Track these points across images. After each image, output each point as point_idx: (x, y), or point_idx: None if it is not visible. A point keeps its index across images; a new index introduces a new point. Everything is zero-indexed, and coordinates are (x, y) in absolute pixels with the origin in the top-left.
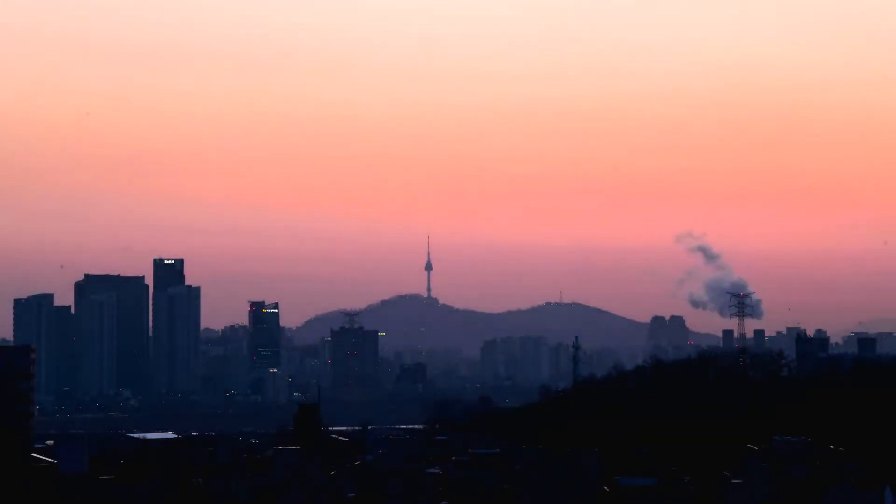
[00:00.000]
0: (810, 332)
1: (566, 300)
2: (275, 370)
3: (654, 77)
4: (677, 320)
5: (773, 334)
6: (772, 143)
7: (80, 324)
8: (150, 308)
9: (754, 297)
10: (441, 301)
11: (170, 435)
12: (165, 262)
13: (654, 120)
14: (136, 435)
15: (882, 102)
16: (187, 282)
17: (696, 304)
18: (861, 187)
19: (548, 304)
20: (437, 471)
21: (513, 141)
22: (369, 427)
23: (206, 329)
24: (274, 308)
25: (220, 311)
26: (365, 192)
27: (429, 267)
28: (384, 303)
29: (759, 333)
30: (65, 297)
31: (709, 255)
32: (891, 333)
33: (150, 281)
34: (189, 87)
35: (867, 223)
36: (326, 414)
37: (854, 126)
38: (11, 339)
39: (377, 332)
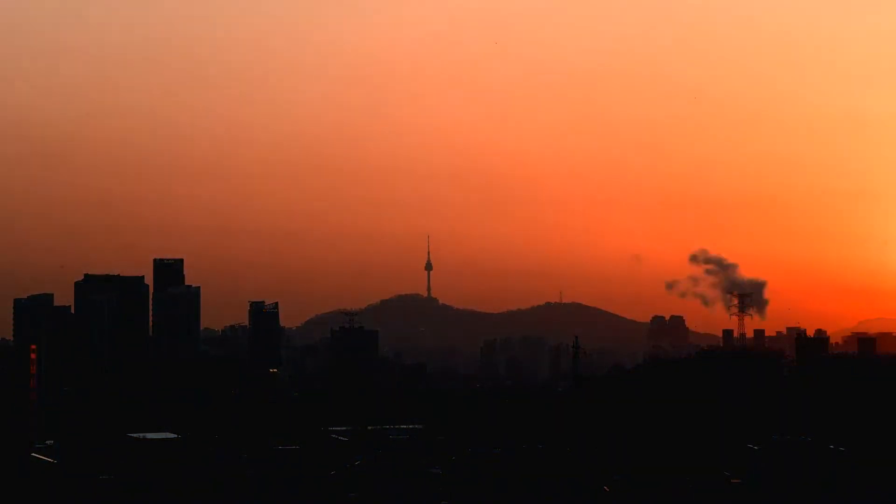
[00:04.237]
0: (810, 332)
1: (566, 300)
2: (275, 370)
3: (659, 80)
4: (677, 320)
5: (773, 334)
6: (773, 147)
7: (80, 324)
8: (150, 308)
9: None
10: (441, 301)
11: (170, 435)
12: (165, 262)
13: (655, 122)
14: (135, 435)
15: (883, 107)
16: (187, 282)
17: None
18: (861, 187)
19: (548, 304)
20: (437, 471)
21: (513, 141)
22: (369, 427)
23: (206, 329)
24: (274, 308)
25: (220, 311)
26: (365, 192)
27: (429, 267)
28: (384, 303)
29: (759, 333)
30: (65, 297)
31: (721, 265)
32: (891, 333)
33: (150, 281)
34: (189, 88)
35: (867, 223)
36: (326, 414)
37: (854, 129)
38: (11, 339)
39: (377, 332)
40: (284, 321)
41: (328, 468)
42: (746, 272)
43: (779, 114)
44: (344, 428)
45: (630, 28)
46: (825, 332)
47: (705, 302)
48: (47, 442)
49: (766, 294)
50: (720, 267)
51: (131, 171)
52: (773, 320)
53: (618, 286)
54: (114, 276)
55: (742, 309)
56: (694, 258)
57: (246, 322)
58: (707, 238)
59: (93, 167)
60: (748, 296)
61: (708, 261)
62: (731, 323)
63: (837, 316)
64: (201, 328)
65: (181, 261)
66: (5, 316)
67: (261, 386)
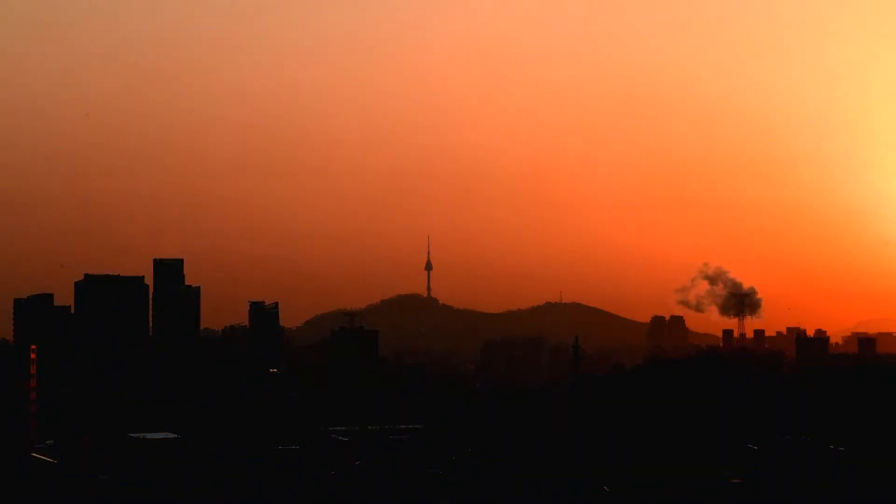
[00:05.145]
0: (810, 332)
1: (566, 300)
2: (275, 370)
3: (659, 80)
4: (677, 320)
5: (773, 334)
6: (773, 148)
7: (80, 324)
8: (150, 308)
9: (756, 297)
10: (441, 301)
11: (170, 435)
12: (165, 262)
13: (655, 122)
14: (135, 435)
15: (883, 108)
16: (187, 282)
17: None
18: (861, 187)
19: (548, 304)
20: (437, 471)
21: (513, 141)
22: (369, 427)
23: (206, 329)
24: (274, 308)
25: (220, 311)
26: (365, 192)
27: (429, 267)
28: (384, 303)
29: (758, 333)
30: (65, 297)
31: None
32: (891, 333)
33: (150, 281)
34: (190, 88)
35: (867, 223)
36: (326, 414)
37: (854, 129)
38: (11, 339)
39: (377, 332)
40: (284, 321)
41: (328, 468)
42: (746, 272)
43: (780, 115)
44: (344, 428)
45: (632, 30)
46: (825, 332)
47: (700, 307)
48: (47, 442)
49: (762, 294)
50: (720, 270)
51: (131, 170)
52: (773, 320)
53: (618, 286)
54: (114, 276)
55: (739, 310)
56: (693, 259)
57: (246, 322)
58: (707, 238)
59: (92, 167)
60: (745, 296)
61: (709, 265)
62: (731, 323)
63: (837, 316)
64: (201, 328)
65: (181, 261)
66: (5, 316)
67: (261, 386)
